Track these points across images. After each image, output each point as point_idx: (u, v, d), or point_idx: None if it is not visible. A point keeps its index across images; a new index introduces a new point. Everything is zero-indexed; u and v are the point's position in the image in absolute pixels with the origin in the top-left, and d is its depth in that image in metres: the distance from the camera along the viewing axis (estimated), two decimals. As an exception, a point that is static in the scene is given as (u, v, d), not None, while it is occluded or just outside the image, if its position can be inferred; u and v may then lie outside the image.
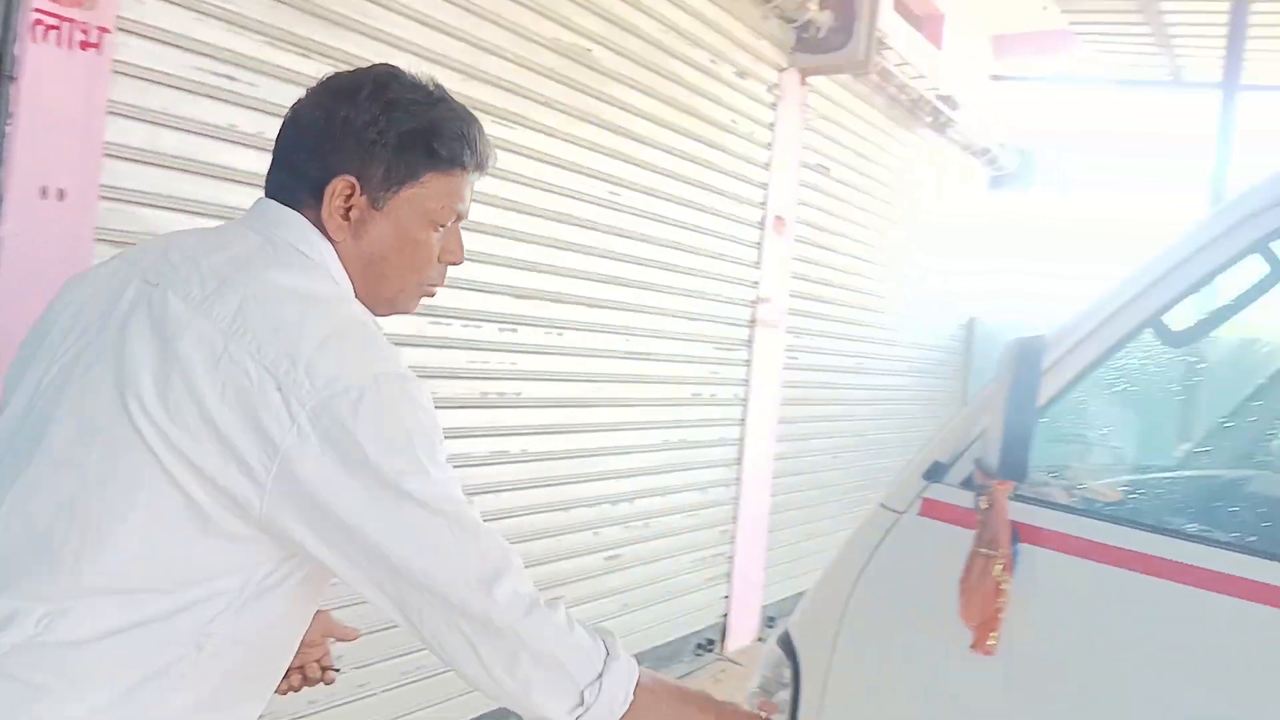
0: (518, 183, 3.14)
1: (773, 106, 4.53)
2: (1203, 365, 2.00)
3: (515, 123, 3.11)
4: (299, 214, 1.09)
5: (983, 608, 1.44)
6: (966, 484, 1.55)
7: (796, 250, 4.84)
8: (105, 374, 0.97)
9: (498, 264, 3.11)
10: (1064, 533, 1.48)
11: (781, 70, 4.56)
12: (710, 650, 4.46)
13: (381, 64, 1.16)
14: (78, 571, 0.93)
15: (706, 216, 4.12)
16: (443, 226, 1.14)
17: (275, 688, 1.14)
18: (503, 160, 2.94)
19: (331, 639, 1.39)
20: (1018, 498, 1.49)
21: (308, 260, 1.07)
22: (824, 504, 5.37)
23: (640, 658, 3.54)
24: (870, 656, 1.65)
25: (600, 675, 1.00)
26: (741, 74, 4.29)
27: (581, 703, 1.00)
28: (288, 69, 2.42)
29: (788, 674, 1.74)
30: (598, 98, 3.45)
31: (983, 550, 1.45)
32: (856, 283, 5.48)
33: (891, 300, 5.88)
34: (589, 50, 3.40)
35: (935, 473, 1.62)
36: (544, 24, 3.18)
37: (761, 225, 4.51)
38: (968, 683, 1.51)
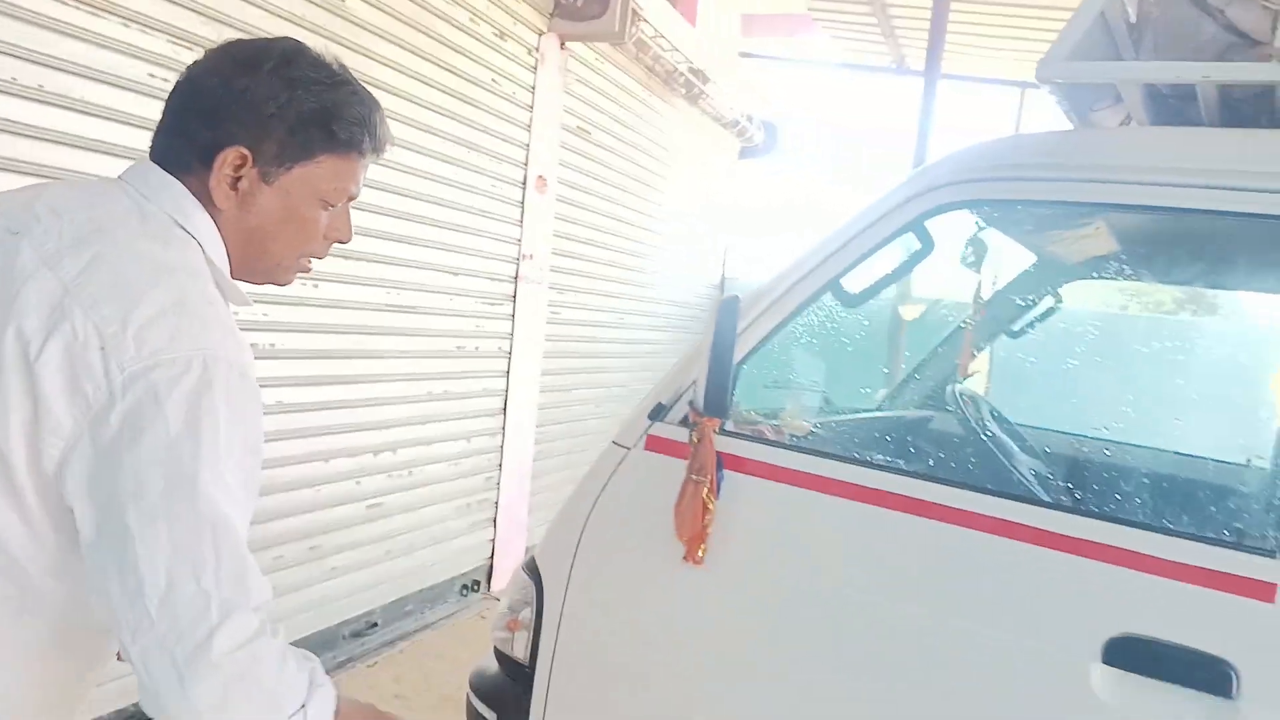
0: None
1: (533, 69, 4.64)
2: (870, 323, 2.34)
3: (264, 68, 3.05)
4: (180, 182, 1.08)
5: (692, 525, 1.67)
6: (683, 422, 1.77)
7: (559, 209, 5.01)
8: None
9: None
10: (761, 461, 1.73)
11: (541, 34, 4.68)
12: (476, 591, 4.60)
13: (287, 38, 1.14)
14: None
15: (468, 173, 4.19)
16: (332, 206, 1.15)
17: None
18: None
19: None
20: (724, 433, 1.73)
21: (176, 231, 1.06)
22: (586, 450, 5.63)
23: (405, 600, 3.66)
24: (601, 572, 1.85)
25: (304, 705, 1.00)
26: (501, 34, 4.37)
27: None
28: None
29: (532, 593, 1.92)
30: (354, 50, 3.42)
31: (693, 477, 1.69)
32: (616, 242, 5.73)
33: (649, 260, 6.20)
34: (343, 1, 3.37)
35: (657, 413, 1.84)
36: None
37: (524, 184, 4.64)
38: (683, 590, 1.74)
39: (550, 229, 4.92)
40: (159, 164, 1.09)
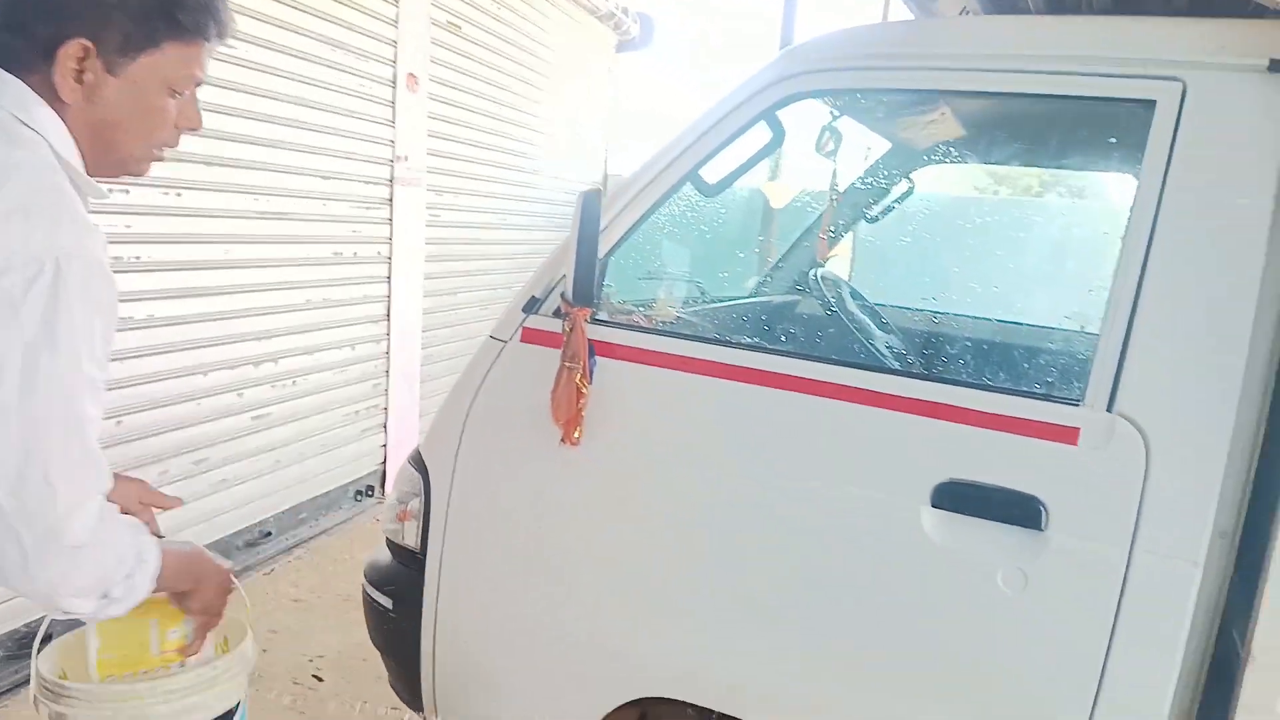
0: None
1: (395, -41, 4.46)
2: (736, 212, 2.44)
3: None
4: (19, 79, 1.06)
5: (567, 409, 1.76)
6: (556, 314, 1.84)
7: (432, 108, 4.89)
8: None
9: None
10: (631, 346, 1.82)
11: (402, -78, 4.48)
12: (370, 496, 4.65)
13: None
14: None
15: (335, 73, 4.04)
16: (180, 94, 1.15)
17: None
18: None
19: (155, 507, 1.42)
20: (596, 322, 1.81)
21: (21, 130, 1.05)
22: (474, 352, 5.66)
23: (298, 508, 3.69)
24: (485, 459, 1.93)
25: (129, 575, 1.12)
26: (359, -77, 4.17)
27: (107, 596, 1.10)
28: None
29: (420, 484, 1.99)
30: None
31: (567, 364, 1.76)
32: (494, 141, 5.64)
33: (529, 159, 6.13)
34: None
35: (531, 305, 1.91)
36: None
37: (394, 83, 4.50)
38: (562, 470, 1.84)
39: (424, 129, 4.81)
40: (7, 68, 1.07)
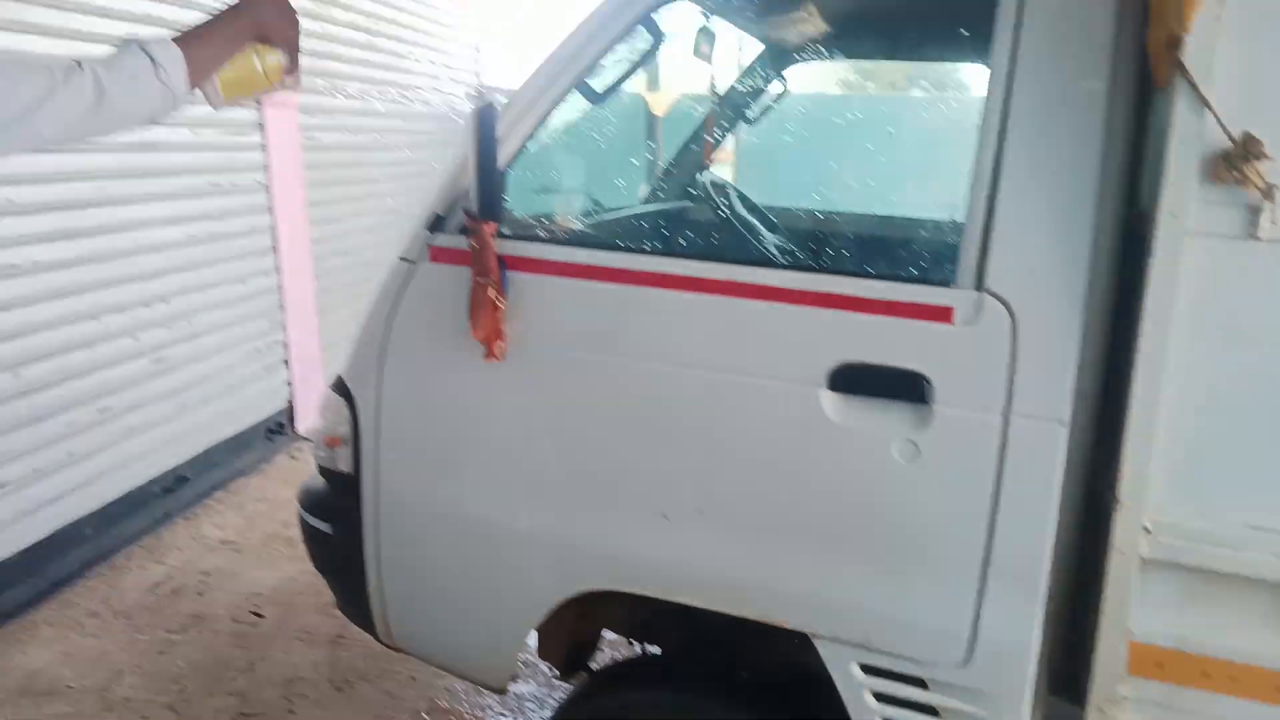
0: None
1: None
2: (625, 121, 2.50)
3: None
4: None
5: (486, 325, 1.81)
6: (462, 231, 1.88)
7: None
8: None
9: None
10: (538, 258, 1.88)
11: None
12: (281, 433, 4.64)
13: None
14: None
15: (189, -9, 3.84)
16: None
17: None
18: None
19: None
20: (502, 236, 1.86)
21: None
22: (370, 280, 5.54)
23: (211, 452, 3.69)
24: (409, 380, 1.99)
25: (155, 60, 1.37)
26: None
27: (167, 89, 1.38)
28: None
29: (346, 411, 2.04)
30: None
31: (479, 280, 1.81)
32: (362, 55, 5.44)
33: (402, 74, 5.95)
34: None
35: (437, 225, 1.94)
36: None
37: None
38: (485, 384, 1.91)
39: (291, 47, 4.61)
40: None
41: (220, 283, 4.11)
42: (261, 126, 4.38)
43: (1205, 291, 1.51)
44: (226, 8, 1.49)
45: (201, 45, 1.46)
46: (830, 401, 1.72)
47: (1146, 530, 1.58)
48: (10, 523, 3.06)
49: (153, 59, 1.37)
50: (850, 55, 3.11)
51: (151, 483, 3.72)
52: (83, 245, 3.30)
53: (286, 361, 4.67)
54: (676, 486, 1.84)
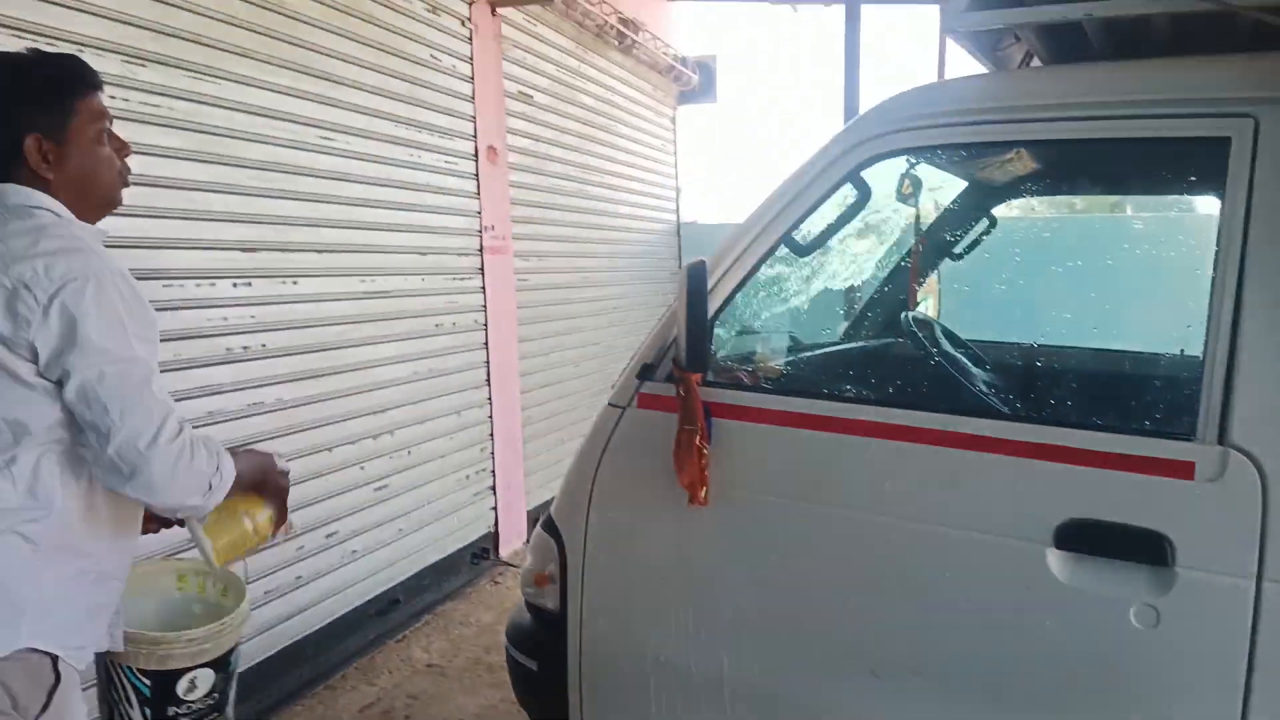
0: (227, 136, 3.16)
1: (468, 40, 4.70)
2: (827, 270, 2.53)
3: (214, 76, 3.11)
4: (11, 184, 1.54)
5: (692, 471, 1.86)
6: (669, 379, 1.95)
7: (514, 177, 5.11)
8: None
9: (222, 220, 3.16)
10: (744, 406, 1.93)
11: (472, 3, 4.73)
12: (486, 558, 4.81)
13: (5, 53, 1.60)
14: None
15: (421, 152, 4.29)
16: (106, 133, 1.60)
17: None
18: (206, 115, 3.03)
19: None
20: (708, 384, 1.92)
21: (35, 210, 1.53)
22: (572, 410, 5.83)
23: (421, 575, 3.85)
24: (616, 525, 2.04)
25: (218, 468, 1.57)
26: (434, 9, 4.42)
27: (210, 489, 1.55)
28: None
29: (555, 550, 2.12)
30: (294, 44, 3.49)
31: (686, 427, 1.87)
32: (572, 201, 5.85)
33: (606, 215, 6.33)
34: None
35: (645, 372, 2.02)
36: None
37: (475, 156, 4.74)
38: (690, 529, 1.94)
39: (507, 197, 5.04)
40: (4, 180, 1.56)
41: (438, 415, 4.40)
42: (482, 271, 4.75)
43: None
44: (248, 455, 1.74)
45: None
46: (1058, 560, 1.62)
47: None
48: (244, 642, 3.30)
49: (220, 472, 1.57)
50: (1067, 193, 3.02)
51: (368, 604, 3.94)
52: (323, 384, 3.65)
53: (493, 488, 4.90)
54: (887, 643, 1.76)
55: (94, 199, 1.61)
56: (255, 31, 3.29)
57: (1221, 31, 1.83)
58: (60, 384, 1.46)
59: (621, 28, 6.23)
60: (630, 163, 6.77)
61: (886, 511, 1.77)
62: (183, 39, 3.00)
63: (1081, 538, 1.60)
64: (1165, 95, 1.68)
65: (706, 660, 1.94)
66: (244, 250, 3.26)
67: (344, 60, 3.77)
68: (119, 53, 2.78)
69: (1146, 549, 1.55)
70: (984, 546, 1.67)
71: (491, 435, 4.83)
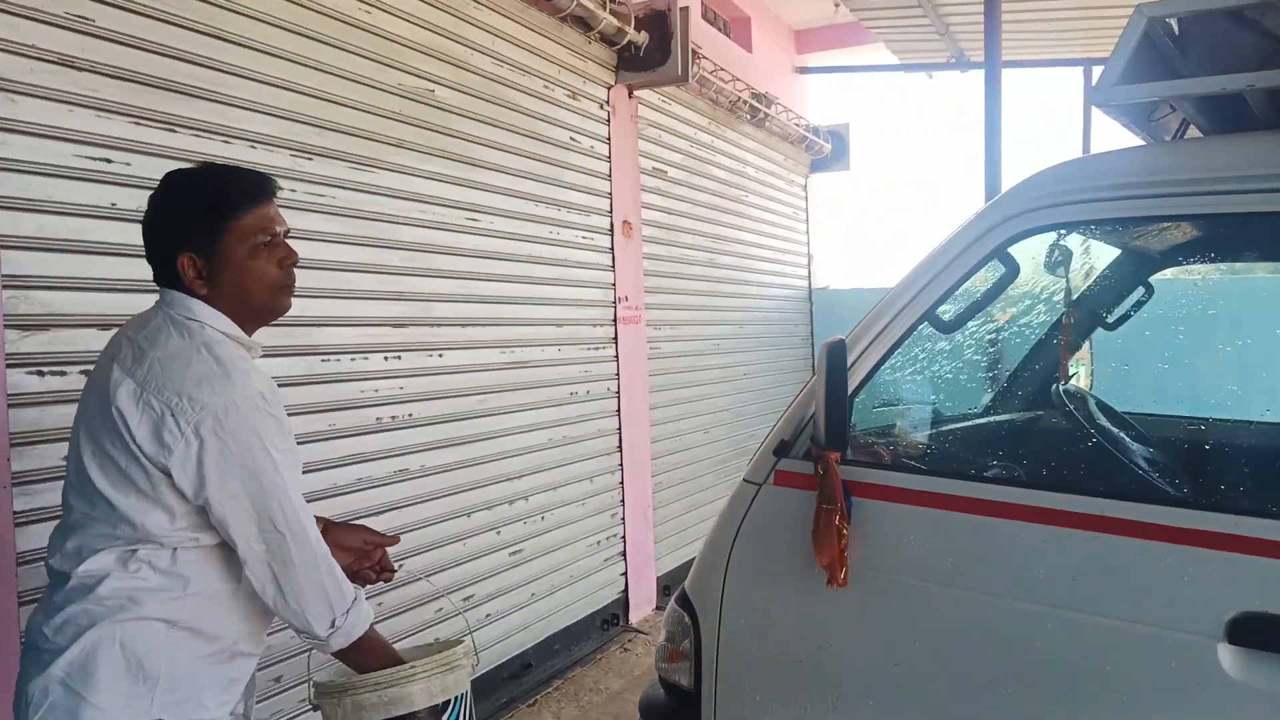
0: (382, 220, 3.39)
1: (606, 121, 4.90)
2: (970, 345, 2.45)
3: (372, 166, 3.35)
4: (177, 291, 1.62)
5: (830, 551, 1.84)
6: (806, 456, 1.94)
7: (646, 249, 5.25)
8: (89, 415, 1.59)
9: (375, 298, 3.36)
10: (885, 485, 1.89)
11: (610, 87, 4.94)
12: (615, 624, 4.82)
13: (167, 172, 1.68)
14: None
15: (560, 229, 4.46)
16: (266, 246, 1.63)
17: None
18: (363, 202, 3.24)
19: (376, 545, 1.91)
20: (847, 463, 1.89)
21: (189, 322, 1.59)
22: (701, 477, 5.83)
23: (552, 639, 3.90)
24: (750, 600, 2.02)
25: (349, 609, 1.63)
26: (574, 95, 4.64)
27: (332, 625, 1.61)
28: (157, 144, 2.61)
29: (689, 626, 2.11)
30: (445, 133, 3.73)
31: (824, 506, 1.85)
32: (702, 271, 5.94)
33: (736, 284, 6.38)
34: (431, 91, 3.67)
35: (782, 450, 2.02)
36: (387, 72, 3.43)
37: (610, 231, 4.89)
38: (829, 610, 1.91)
39: (640, 269, 5.16)
40: (167, 286, 1.64)
41: (571, 481, 4.49)
42: (616, 340, 4.86)
43: None
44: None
45: (373, 636, 1.72)
46: (1231, 656, 1.50)
47: None
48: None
49: (347, 612, 1.64)
50: (1226, 260, 2.87)
51: (500, 668, 4.00)
52: (463, 451, 3.79)
53: (624, 554, 4.92)
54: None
55: (250, 310, 1.66)
56: (408, 124, 3.54)
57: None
58: (204, 507, 1.53)
59: (754, 102, 6.35)
60: (761, 231, 6.83)
61: (1034, 599, 1.69)
62: (343, 133, 3.24)
63: (1257, 632, 1.48)
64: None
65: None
66: (394, 326, 3.45)
67: (489, 146, 3.99)
68: (287, 148, 3.03)
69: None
70: (1147, 640, 1.56)
71: (622, 501, 4.89)
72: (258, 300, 1.64)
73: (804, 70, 7.90)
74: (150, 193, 1.67)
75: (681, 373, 5.61)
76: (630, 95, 5.13)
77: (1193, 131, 2.03)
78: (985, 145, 4.64)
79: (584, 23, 4.54)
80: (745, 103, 6.25)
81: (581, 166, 4.66)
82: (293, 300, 1.73)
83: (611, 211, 4.89)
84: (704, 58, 5.58)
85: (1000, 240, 1.86)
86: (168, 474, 1.49)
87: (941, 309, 1.93)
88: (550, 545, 4.34)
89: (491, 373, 3.97)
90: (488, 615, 3.91)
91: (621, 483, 4.88)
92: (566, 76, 4.58)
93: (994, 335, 2.50)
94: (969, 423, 2.60)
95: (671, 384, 5.46)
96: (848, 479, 1.88)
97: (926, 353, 2.08)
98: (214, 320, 1.61)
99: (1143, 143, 2.12)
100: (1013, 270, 1.92)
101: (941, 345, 2.11)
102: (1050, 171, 1.88)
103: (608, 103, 4.91)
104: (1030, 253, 2.08)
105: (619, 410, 4.86)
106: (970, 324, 1.98)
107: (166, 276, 1.63)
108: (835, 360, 1.80)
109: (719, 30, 6.57)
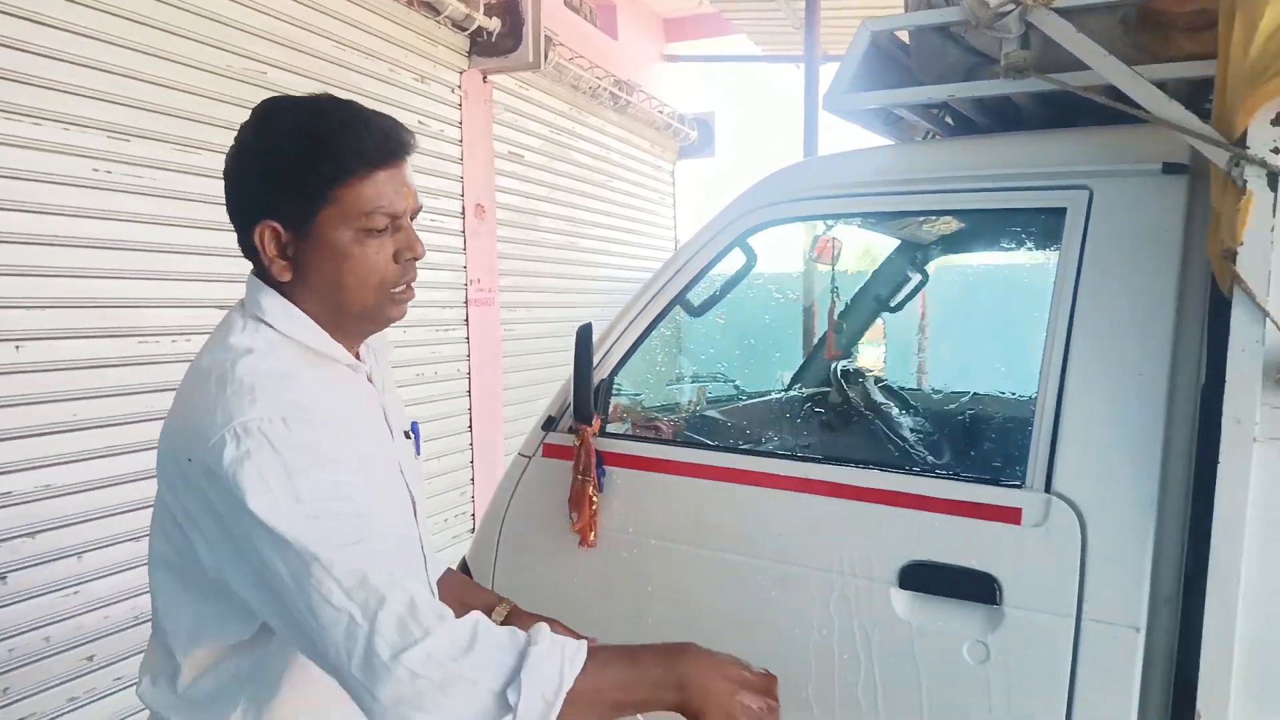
0: (207, 203, 3.38)
1: (458, 105, 4.96)
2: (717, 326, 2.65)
3: (197, 148, 3.34)
4: (257, 279, 1.15)
5: (583, 516, 2.03)
6: (570, 430, 2.12)
7: (503, 232, 5.34)
8: None
9: (199, 280, 3.37)
10: (633, 455, 2.08)
11: (462, 72, 5.00)
12: (463, 600, 4.94)
13: (264, 101, 1.16)
14: None
15: (408, 213, 4.51)
16: (379, 230, 1.11)
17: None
18: (187, 184, 3.22)
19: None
20: (606, 435, 2.07)
21: (246, 323, 1.12)
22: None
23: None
24: (519, 567, 2.19)
25: (518, 671, 0.96)
26: (422, 79, 4.68)
27: (507, 706, 0.95)
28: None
29: None
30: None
31: (579, 475, 2.03)
32: (562, 255, 6.06)
33: (598, 268, 6.53)
34: (264, 73, 3.68)
35: (549, 424, 2.19)
36: (214, 54, 3.43)
37: (462, 214, 4.97)
38: (584, 572, 2.09)
39: (495, 251, 5.25)
40: (254, 272, 1.17)
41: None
42: (467, 323, 4.95)
43: (1276, 496, 1.44)
44: (658, 647, 1.13)
45: (602, 672, 1.03)
46: (901, 599, 1.73)
47: (1231, 754, 1.45)
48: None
49: (520, 666, 0.97)
50: (921, 258, 3.14)
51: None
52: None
53: (473, 531, 5.03)
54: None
55: (345, 314, 1.15)
56: (238, 105, 3.51)
57: (1084, 106, 1.97)
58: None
59: (615, 90, 6.48)
60: (626, 215, 6.99)
61: (752, 554, 1.89)
62: (172, 116, 3.24)
63: (922, 578, 1.71)
64: (1012, 169, 1.82)
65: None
66: (220, 308, 3.44)
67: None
68: (103, 129, 3.01)
69: (978, 589, 1.66)
70: (839, 586, 1.78)
71: (472, 480, 4.99)
72: (356, 303, 1.13)
73: (672, 58, 8.07)
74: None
75: (538, 354, 5.73)
76: (484, 80, 5.20)
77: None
78: (804, 136, 4.89)
79: (432, 7, 4.60)
80: (606, 90, 6.39)
81: (431, 150, 4.72)
82: (407, 308, 1.20)
83: (463, 195, 4.97)
84: (561, 44, 5.69)
85: (740, 231, 2.05)
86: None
87: (692, 294, 2.11)
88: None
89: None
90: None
91: (472, 462, 4.99)
92: (415, 60, 4.62)
93: (738, 318, 2.71)
94: (709, 398, 2.81)
95: (527, 365, 5.58)
96: (603, 450, 2.05)
97: (675, 333, 2.26)
98: (287, 322, 1.13)
99: (889, 142, 2.35)
100: (752, 260, 2.12)
101: (692, 327, 2.29)
102: (786, 170, 2.08)
103: (459, 87, 4.97)
104: (786, 243, 2.29)
105: (469, 391, 4.96)
106: (717, 308, 2.18)
107: (246, 247, 1.15)
108: (583, 341, 1.97)
109: (583, 18, 6.68)
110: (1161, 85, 1.64)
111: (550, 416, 2.17)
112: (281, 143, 1.10)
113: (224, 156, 1.16)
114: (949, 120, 2.31)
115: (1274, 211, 1.43)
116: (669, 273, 2.10)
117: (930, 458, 2.12)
